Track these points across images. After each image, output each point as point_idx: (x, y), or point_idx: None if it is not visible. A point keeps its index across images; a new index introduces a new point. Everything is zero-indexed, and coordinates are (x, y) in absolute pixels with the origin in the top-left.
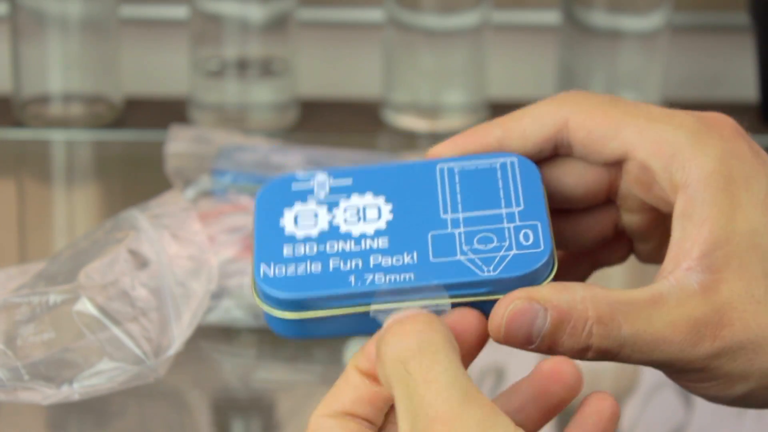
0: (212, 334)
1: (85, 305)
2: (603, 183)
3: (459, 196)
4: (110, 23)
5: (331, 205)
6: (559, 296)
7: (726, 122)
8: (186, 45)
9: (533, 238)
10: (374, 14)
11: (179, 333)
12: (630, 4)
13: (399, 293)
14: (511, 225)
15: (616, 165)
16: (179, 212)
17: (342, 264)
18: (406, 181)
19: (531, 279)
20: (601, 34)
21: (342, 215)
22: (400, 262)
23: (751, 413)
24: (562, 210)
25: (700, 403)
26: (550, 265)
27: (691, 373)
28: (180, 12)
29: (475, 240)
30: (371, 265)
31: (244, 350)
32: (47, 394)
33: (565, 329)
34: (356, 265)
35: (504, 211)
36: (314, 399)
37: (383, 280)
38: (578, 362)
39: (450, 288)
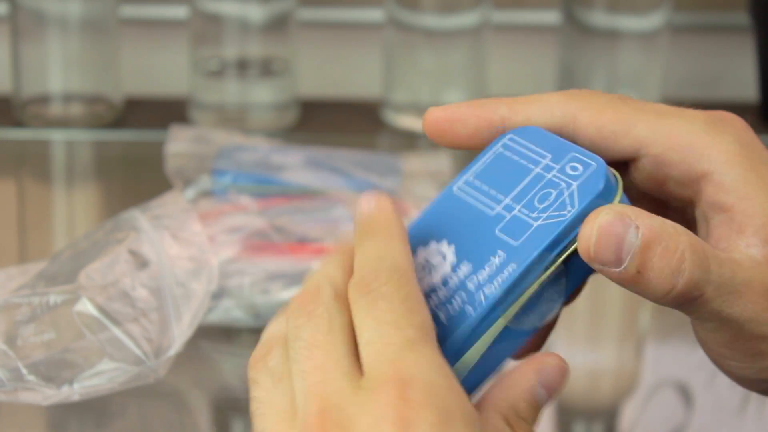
0: (212, 334)
1: (85, 306)
2: None
3: (492, 191)
4: (110, 23)
5: None
6: (650, 217)
7: (736, 118)
8: (186, 45)
9: (580, 165)
10: (374, 14)
11: (179, 333)
12: (630, 4)
13: (514, 288)
14: (553, 172)
15: (624, 164)
16: (179, 213)
17: (451, 308)
18: (439, 217)
19: (607, 194)
20: (601, 34)
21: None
22: (494, 266)
23: (751, 413)
24: None
25: (700, 403)
26: (613, 177)
27: (760, 342)
28: (180, 12)
29: (536, 203)
30: (474, 289)
31: (244, 350)
32: (47, 395)
33: (657, 249)
34: (462, 299)
35: (537, 169)
36: None
37: (493, 288)
38: (579, 362)
39: (552, 248)
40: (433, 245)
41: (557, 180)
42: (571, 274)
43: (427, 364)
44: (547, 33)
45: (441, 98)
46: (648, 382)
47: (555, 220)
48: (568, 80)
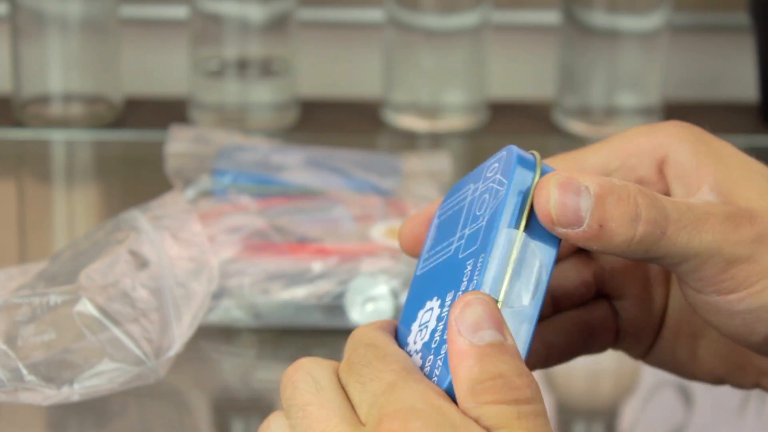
0: (212, 334)
1: (85, 306)
2: None
3: (445, 243)
4: (110, 23)
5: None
6: (595, 176)
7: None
8: (186, 45)
9: (496, 162)
10: (374, 14)
11: (180, 334)
12: (630, 4)
13: (496, 271)
14: (480, 186)
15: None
16: (180, 213)
17: None
18: (415, 293)
19: (526, 163)
20: (601, 34)
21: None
22: (468, 273)
23: (752, 413)
24: None
25: (700, 403)
26: (530, 154)
27: (737, 267)
28: (180, 12)
29: (477, 213)
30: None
31: (244, 350)
32: (47, 395)
33: (611, 200)
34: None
35: (469, 197)
36: None
37: (475, 283)
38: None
39: (508, 220)
40: (420, 311)
41: (485, 186)
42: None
43: (418, 394)
44: (547, 33)
45: (441, 98)
46: (648, 382)
47: (496, 203)
48: (568, 80)
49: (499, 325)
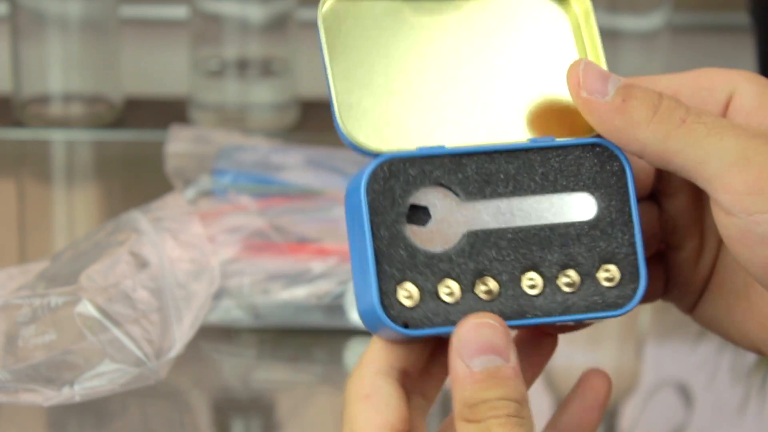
0: (212, 334)
1: (86, 307)
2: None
3: None
4: (110, 23)
5: None
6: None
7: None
8: (186, 45)
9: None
10: None
11: (180, 335)
12: (630, 4)
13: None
14: None
15: None
16: (181, 215)
17: None
18: None
19: None
20: (601, 34)
21: None
22: None
23: (752, 413)
24: None
25: (700, 403)
26: None
27: (766, 180)
28: (180, 12)
29: None
30: None
31: (244, 350)
32: (48, 396)
33: (637, 89)
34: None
35: None
36: (314, 399)
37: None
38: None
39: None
40: None
41: None
42: None
43: None
44: None
45: None
46: (648, 382)
47: None
48: None
49: (502, 347)
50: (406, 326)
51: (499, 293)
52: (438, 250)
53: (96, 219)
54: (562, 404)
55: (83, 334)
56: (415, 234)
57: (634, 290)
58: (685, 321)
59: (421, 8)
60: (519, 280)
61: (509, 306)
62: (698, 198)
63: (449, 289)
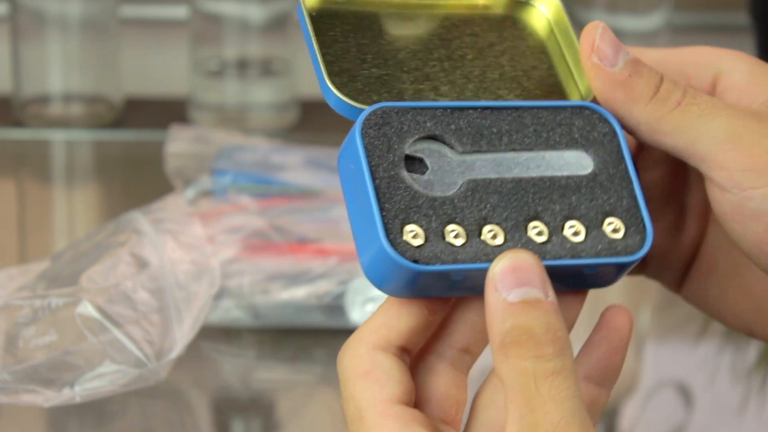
0: (212, 334)
1: (86, 308)
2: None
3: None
4: (110, 23)
5: None
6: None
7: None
8: (186, 45)
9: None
10: None
11: (181, 336)
12: (630, 4)
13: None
14: None
15: None
16: (181, 216)
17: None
18: None
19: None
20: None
21: None
22: None
23: (752, 413)
24: None
25: (700, 403)
26: None
27: (758, 156)
28: (180, 12)
29: None
30: None
31: (244, 350)
32: (49, 397)
33: (642, 66)
34: None
35: None
36: (314, 399)
37: None
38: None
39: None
40: None
41: None
42: None
43: None
44: None
45: None
46: (648, 382)
47: None
48: None
49: (538, 282)
50: (416, 262)
51: (506, 239)
52: (439, 195)
53: (96, 219)
54: (584, 350)
55: (84, 335)
56: (414, 181)
57: (642, 240)
58: (685, 321)
59: (399, 19)
60: (524, 228)
61: None
62: (676, 173)
63: (456, 232)
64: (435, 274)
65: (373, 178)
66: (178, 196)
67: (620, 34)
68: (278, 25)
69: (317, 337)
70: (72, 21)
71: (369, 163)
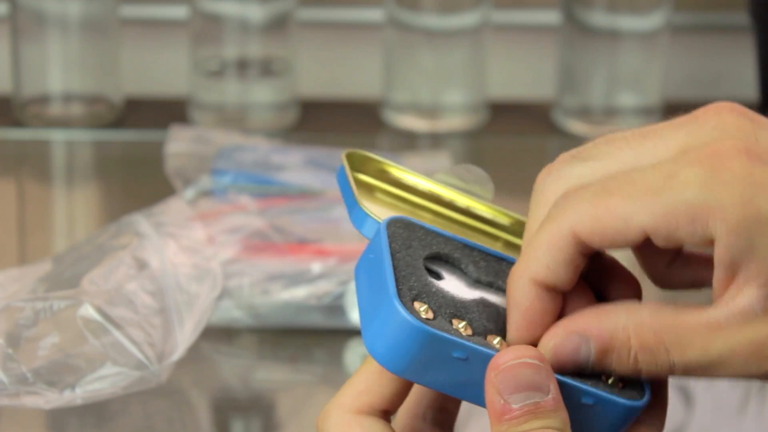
0: (212, 335)
1: (88, 310)
2: None
3: None
4: (110, 23)
5: None
6: (600, 325)
7: (720, 118)
8: (186, 45)
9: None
10: (374, 14)
11: (182, 339)
12: (630, 4)
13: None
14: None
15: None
16: (183, 220)
17: None
18: None
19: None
20: (601, 34)
21: None
22: None
23: (752, 413)
24: None
25: (700, 403)
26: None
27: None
28: (180, 12)
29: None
30: None
31: (244, 350)
32: (50, 399)
33: (612, 357)
34: None
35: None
36: (314, 399)
37: None
38: None
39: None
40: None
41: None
42: None
43: None
44: (547, 33)
45: (441, 98)
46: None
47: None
48: (568, 80)
49: (540, 385)
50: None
51: None
52: (452, 293)
53: (96, 219)
54: None
55: (85, 338)
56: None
57: (642, 394)
58: None
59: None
60: None
61: None
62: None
63: (463, 324)
64: (439, 341)
65: (393, 259)
66: (179, 199)
67: (620, 34)
68: (278, 25)
69: (317, 337)
70: (72, 21)
71: (391, 246)
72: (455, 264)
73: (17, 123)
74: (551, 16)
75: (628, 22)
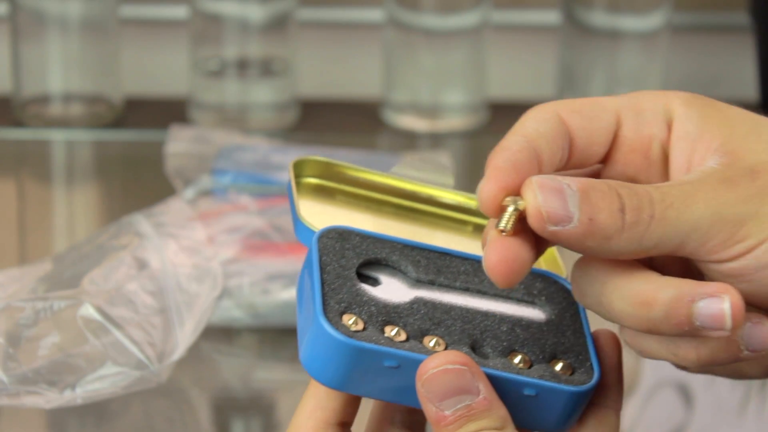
0: (212, 334)
1: (88, 310)
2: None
3: None
4: (110, 23)
5: None
6: (573, 178)
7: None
8: (186, 45)
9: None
10: (374, 14)
11: (183, 339)
12: (630, 4)
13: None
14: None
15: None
16: (184, 220)
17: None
18: None
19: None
20: (601, 34)
21: None
22: None
23: (752, 413)
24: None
25: (700, 403)
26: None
27: (746, 226)
28: (180, 12)
29: None
30: None
31: (244, 350)
32: (50, 399)
33: (594, 194)
34: None
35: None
36: None
37: None
38: None
39: None
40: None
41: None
42: None
43: None
44: (547, 33)
45: (441, 98)
46: (648, 382)
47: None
48: (568, 80)
49: (468, 388)
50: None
51: (447, 348)
52: (385, 299)
53: (96, 219)
54: None
55: (85, 337)
56: (364, 287)
57: (589, 378)
58: None
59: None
60: (468, 346)
61: None
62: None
63: (396, 331)
64: (368, 353)
65: (322, 273)
66: (179, 200)
67: (620, 34)
68: (278, 25)
69: None
70: (72, 21)
71: (321, 260)
72: (394, 266)
73: (17, 123)
74: (551, 16)
75: (628, 22)
